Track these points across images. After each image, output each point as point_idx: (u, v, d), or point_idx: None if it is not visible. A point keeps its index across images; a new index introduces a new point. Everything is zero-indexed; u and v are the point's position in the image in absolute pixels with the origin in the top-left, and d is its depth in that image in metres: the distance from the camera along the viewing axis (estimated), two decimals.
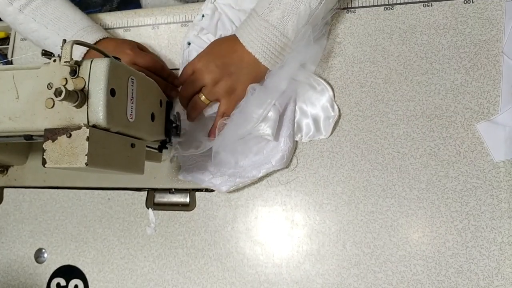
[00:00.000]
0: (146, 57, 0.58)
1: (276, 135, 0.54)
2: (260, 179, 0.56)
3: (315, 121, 0.55)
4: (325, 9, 0.52)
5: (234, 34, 0.54)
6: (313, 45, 0.53)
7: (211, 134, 0.55)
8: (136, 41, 0.63)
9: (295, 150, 0.55)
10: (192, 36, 0.62)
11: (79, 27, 0.59)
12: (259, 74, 0.53)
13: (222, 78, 0.53)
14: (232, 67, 0.53)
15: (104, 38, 0.60)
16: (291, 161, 0.55)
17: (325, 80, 0.56)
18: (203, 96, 0.54)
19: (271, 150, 0.54)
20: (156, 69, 0.58)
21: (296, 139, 0.55)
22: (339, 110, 0.55)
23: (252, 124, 0.53)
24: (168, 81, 0.58)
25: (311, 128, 0.55)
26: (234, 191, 0.56)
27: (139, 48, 0.61)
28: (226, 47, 0.54)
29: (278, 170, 0.55)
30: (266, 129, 0.53)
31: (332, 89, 0.55)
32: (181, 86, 0.57)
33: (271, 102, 0.53)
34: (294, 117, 0.55)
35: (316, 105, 0.55)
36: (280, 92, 0.53)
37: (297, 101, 0.56)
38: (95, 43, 0.58)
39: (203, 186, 0.57)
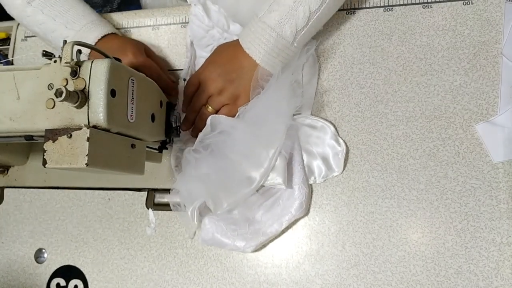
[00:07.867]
0: (145, 62, 0.56)
1: (289, 182, 0.52)
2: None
3: (325, 160, 0.54)
4: (327, 12, 0.51)
5: (238, 39, 0.54)
6: (305, 87, 0.54)
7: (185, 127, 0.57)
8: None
9: (311, 195, 0.54)
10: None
11: (87, 20, 0.59)
12: (260, 78, 0.53)
13: (225, 86, 0.53)
14: (233, 74, 0.53)
15: (110, 34, 0.59)
16: (309, 207, 0.54)
17: (322, 118, 0.55)
18: (210, 107, 0.54)
19: (287, 199, 0.52)
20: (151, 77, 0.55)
21: (310, 183, 0.54)
22: (346, 144, 0.54)
23: (255, 184, 0.52)
24: (165, 92, 0.56)
25: (322, 169, 0.53)
26: None
27: (146, 51, 0.60)
28: (227, 54, 0.54)
29: None
30: (276, 179, 0.51)
31: (333, 124, 0.55)
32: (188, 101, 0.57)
33: (274, 153, 0.52)
34: (303, 160, 0.54)
35: (321, 145, 0.54)
36: (279, 141, 0.52)
37: (301, 144, 0.54)
38: (101, 37, 0.58)
39: (227, 249, 0.55)
